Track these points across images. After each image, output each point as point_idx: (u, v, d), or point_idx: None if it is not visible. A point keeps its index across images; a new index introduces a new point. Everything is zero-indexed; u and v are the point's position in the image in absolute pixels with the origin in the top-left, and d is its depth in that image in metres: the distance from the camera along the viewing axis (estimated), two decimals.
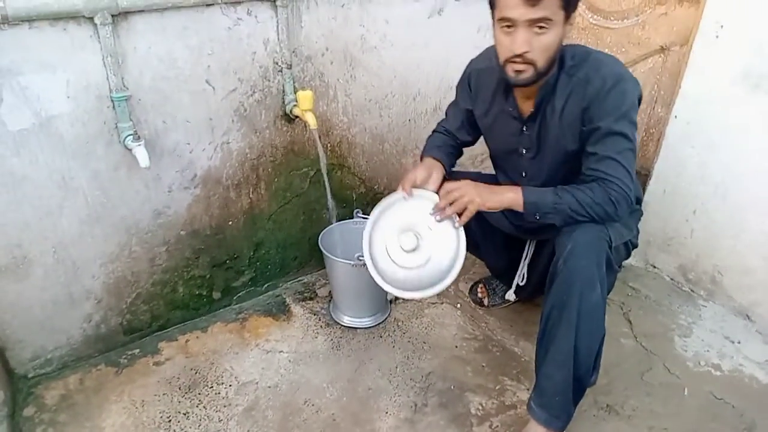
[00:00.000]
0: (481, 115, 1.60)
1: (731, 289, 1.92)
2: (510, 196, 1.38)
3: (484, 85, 1.55)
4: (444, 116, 1.75)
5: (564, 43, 1.32)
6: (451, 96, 2.20)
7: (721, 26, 1.70)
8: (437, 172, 1.55)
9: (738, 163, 1.78)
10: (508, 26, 1.25)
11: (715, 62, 1.75)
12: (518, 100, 1.46)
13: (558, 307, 1.34)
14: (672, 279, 2.10)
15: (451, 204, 1.42)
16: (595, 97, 1.31)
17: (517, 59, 1.26)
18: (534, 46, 1.24)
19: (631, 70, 1.98)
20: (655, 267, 2.16)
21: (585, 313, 1.31)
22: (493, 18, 1.33)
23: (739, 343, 1.82)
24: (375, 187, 2.21)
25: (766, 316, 1.83)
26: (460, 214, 1.42)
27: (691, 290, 2.04)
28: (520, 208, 1.37)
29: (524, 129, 1.48)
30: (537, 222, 1.39)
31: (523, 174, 1.56)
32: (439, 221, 1.45)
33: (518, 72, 1.29)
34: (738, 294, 1.90)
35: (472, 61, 1.62)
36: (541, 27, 1.22)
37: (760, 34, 1.63)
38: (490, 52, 1.54)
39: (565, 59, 1.35)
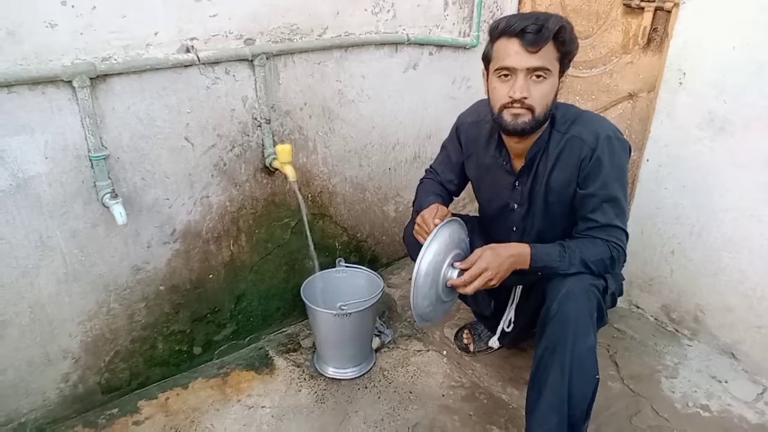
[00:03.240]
0: (473, 168, 1.61)
1: (714, 327, 1.92)
2: (519, 261, 1.38)
3: (474, 138, 1.57)
4: (430, 167, 1.76)
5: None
6: (430, 144, 2.29)
7: (684, 73, 1.77)
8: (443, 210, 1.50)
9: (710, 203, 1.81)
10: (506, 75, 1.29)
11: (681, 107, 1.81)
12: (511, 155, 1.48)
13: (550, 350, 1.34)
14: (656, 319, 2.11)
15: (473, 279, 1.37)
16: (590, 156, 1.34)
17: (516, 104, 1.29)
18: (532, 93, 1.27)
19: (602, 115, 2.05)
20: (638, 307, 2.16)
21: (578, 357, 1.31)
22: (486, 71, 1.37)
23: (726, 382, 1.81)
24: (357, 235, 2.22)
25: (751, 354, 1.83)
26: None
27: (676, 330, 2.04)
28: (526, 267, 1.39)
29: (516, 184, 1.50)
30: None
31: (514, 228, 1.56)
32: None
33: (516, 116, 1.30)
34: (721, 332, 1.90)
35: (460, 115, 1.64)
36: (538, 76, 1.26)
37: (719, 80, 1.69)
38: (479, 106, 1.57)
39: (556, 117, 1.39)
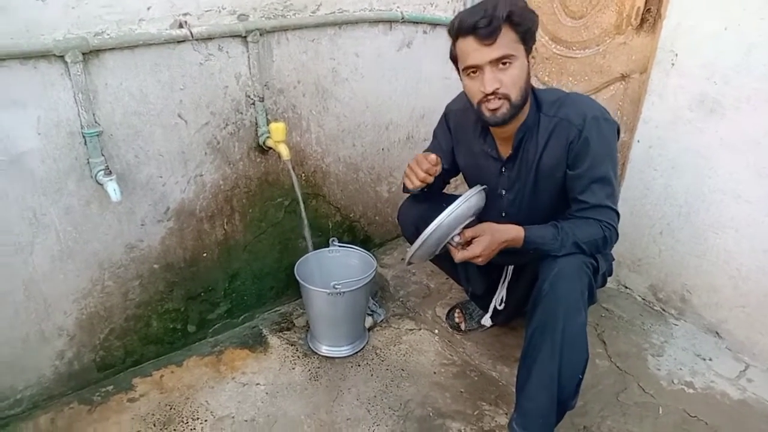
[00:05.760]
0: (462, 155, 1.62)
1: (700, 307, 1.96)
2: (512, 241, 1.40)
3: (462, 125, 1.58)
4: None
5: (540, 86, 1.37)
6: (423, 125, 2.29)
7: (676, 55, 1.78)
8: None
9: (699, 184, 1.84)
10: (474, 71, 1.30)
11: (673, 89, 1.82)
12: (497, 142, 1.49)
13: (541, 328, 1.36)
14: (643, 299, 2.15)
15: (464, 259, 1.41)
16: (577, 138, 1.35)
17: (491, 97, 1.30)
18: (503, 82, 1.28)
19: (594, 96, 2.06)
20: (626, 287, 2.20)
21: (569, 337, 1.33)
22: (458, 70, 1.38)
23: (710, 360, 1.85)
24: (350, 215, 2.23)
25: (734, 333, 1.87)
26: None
27: (662, 309, 2.08)
28: (518, 246, 1.40)
29: (503, 170, 1.51)
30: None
31: (503, 214, 1.57)
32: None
33: (494, 110, 1.32)
34: (707, 312, 1.94)
35: (448, 104, 1.66)
36: (504, 63, 1.27)
37: (711, 62, 1.71)
38: (465, 94, 1.59)
39: (541, 101, 1.40)
